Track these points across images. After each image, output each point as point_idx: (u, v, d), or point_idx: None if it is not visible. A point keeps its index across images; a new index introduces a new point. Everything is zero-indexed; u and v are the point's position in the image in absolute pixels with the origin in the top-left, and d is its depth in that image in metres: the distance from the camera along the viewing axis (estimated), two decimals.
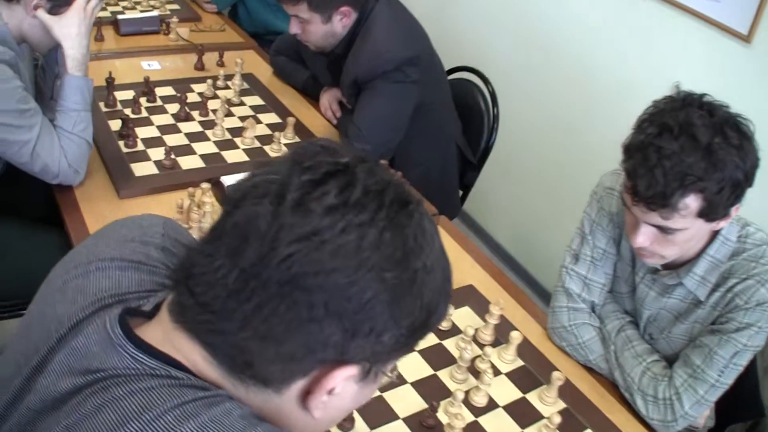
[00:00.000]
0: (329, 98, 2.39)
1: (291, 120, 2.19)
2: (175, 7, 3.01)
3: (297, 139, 2.21)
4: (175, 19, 2.71)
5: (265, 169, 0.71)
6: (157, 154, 2.00)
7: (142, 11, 2.87)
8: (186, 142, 2.09)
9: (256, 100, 2.40)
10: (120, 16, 2.69)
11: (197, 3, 3.08)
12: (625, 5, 2.63)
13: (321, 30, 2.15)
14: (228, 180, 1.87)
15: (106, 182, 1.89)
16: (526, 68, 3.08)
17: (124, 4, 2.93)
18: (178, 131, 2.14)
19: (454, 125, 2.51)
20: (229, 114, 2.26)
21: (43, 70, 1.96)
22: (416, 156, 2.34)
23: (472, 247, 1.98)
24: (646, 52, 2.59)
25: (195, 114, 2.23)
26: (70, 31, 1.75)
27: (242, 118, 2.26)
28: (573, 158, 2.93)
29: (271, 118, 2.31)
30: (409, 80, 2.15)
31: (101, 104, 2.16)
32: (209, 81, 2.37)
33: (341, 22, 2.14)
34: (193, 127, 2.17)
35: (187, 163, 2.00)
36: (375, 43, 2.12)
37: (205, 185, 1.83)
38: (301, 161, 0.69)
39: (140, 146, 2.03)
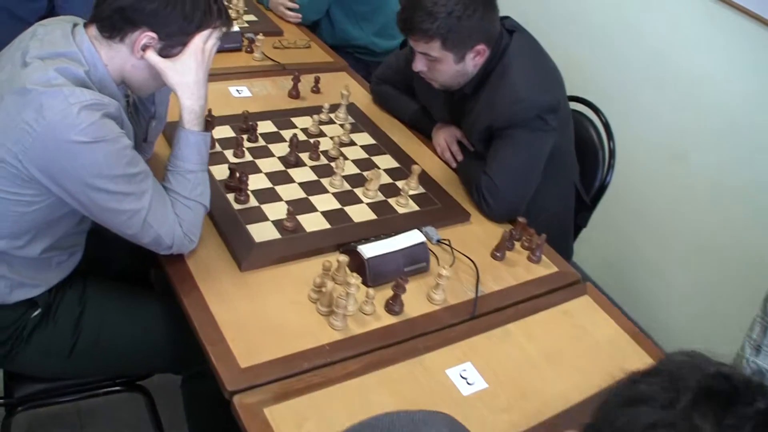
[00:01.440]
0: (447, 138, 2.12)
1: (416, 169, 1.92)
2: (253, 18, 2.71)
3: (421, 190, 1.93)
4: (260, 36, 2.41)
5: (657, 416, 0.56)
6: (273, 211, 1.73)
7: None
8: (302, 194, 1.82)
9: (366, 138, 2.12)
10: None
11: (275, 12, 2.79)
12: (750, 35, 2.38)
13: (452, 69, 1.88)
14: (367, 251, 1.61)
15: (221, 250, 1.62)
16: (637, 99, 2.82)
17: None
18: (290, 180, 1.86)
19: (575, 166, 2.25)
20: (343, 156, 1.99)
21: (135, 107, 1.68)
22: (541, 202, 2.07)
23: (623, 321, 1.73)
24: None
25: (304, 157, 1.95)
26: (186, 79, 1.46)
27: (358, 163, 1.99)
28: (688, 196, 2.68)
29: (387, 161, 2.03)
30: (549, 128, 1.90)
31: None
32: (315, 117, 2.08)
33: (474, 61, 1.88)
34: (305, 174, 1.90)
35: (310, 222, 1.73)
36: (515, 88, 1.86)
37: (342, 258, 1.57)
38: (720, 419, 0.55)
39: (252, 201, 1.75)
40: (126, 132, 1.41)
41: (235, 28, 2.47)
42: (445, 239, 1.79)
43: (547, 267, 1.82)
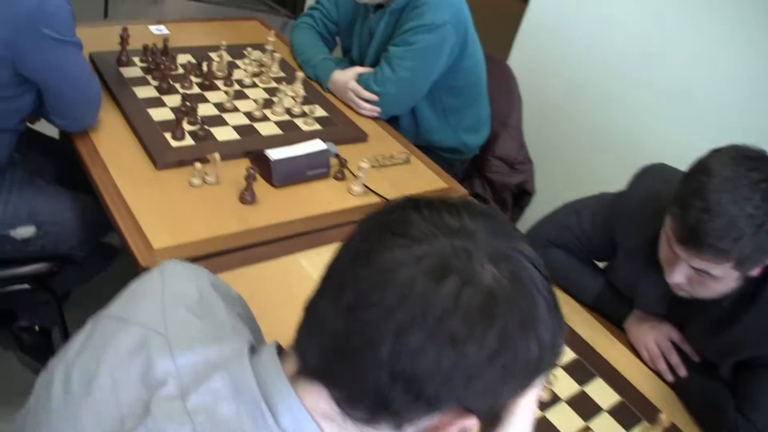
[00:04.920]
0: (661, 342, 1.53)
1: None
2: (320, 112, 1.94)
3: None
4: (364, 164, 1.66)
5: None
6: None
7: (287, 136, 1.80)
8: None
9: None
10: (270, 152, 1.62)
11: (340, 98, 2.04)
12: None
13: (727, 287, 1.30)
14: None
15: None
16: None
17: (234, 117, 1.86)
18: None
19: None
20: None
21: None
22: None
23: None
24: None
25: None
26: None
27: None
28: None
29: None
30: None
31: None
32: None
33: (752, 273, 1.29)
34: None
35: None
36: None
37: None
38: None
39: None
40: None
41: (319, 144, 1.70)
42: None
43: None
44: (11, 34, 1.37)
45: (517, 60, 2.57)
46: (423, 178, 1.85)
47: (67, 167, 1.85)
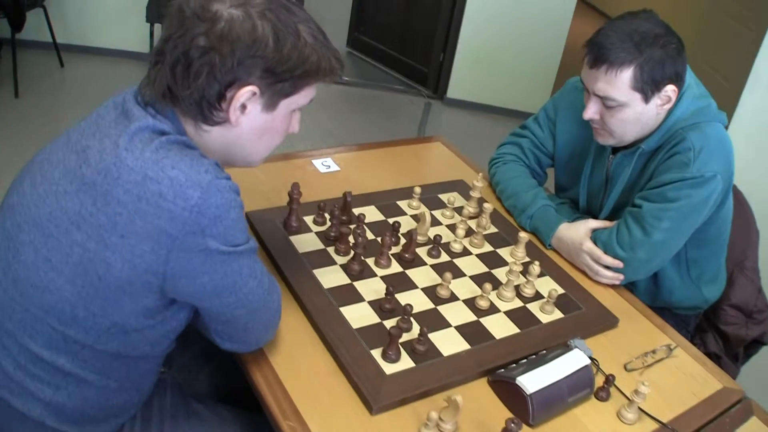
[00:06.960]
0: None
1: None
2: (554, 289, 1.45)
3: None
4: (645, 388, 1.20)
5: None
6: None
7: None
8: None
9: None
10: (523, 380, 1.16)
11: (573, 262, 1.58)
12: None
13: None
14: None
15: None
16: None
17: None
18: None
19: None
20: None
21: None
22: None
23: None
24: None
25: None
26: None
27: None
28: None
29: None
30: None
31: None
32: None
33: None
34: None
35: None
36: None
37: None
38: None
39: None
40: None
41: (580, 358, 1.24)
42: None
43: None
44: (158, 255, 0.95)
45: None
46: (696, 381, 1.35)
47: (225, 368, 1.44)
